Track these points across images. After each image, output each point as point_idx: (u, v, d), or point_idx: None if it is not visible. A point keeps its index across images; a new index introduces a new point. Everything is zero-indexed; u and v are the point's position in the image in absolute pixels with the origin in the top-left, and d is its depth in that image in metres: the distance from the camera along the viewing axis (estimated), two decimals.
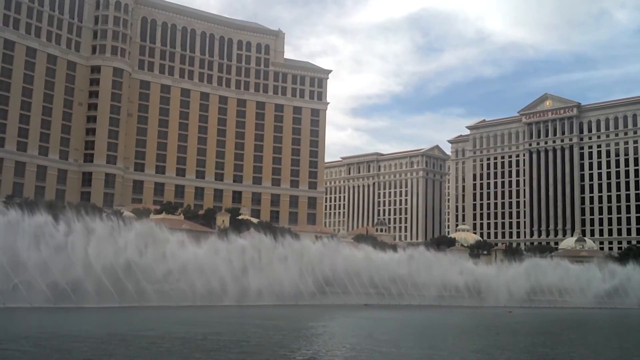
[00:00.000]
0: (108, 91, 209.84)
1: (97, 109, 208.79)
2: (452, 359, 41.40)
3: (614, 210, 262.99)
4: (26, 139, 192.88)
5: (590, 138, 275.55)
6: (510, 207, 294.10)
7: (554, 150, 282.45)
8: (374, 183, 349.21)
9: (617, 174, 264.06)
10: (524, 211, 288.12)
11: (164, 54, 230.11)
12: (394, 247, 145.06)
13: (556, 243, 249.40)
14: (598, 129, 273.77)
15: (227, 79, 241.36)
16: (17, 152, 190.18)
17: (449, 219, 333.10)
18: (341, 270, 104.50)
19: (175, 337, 47.65)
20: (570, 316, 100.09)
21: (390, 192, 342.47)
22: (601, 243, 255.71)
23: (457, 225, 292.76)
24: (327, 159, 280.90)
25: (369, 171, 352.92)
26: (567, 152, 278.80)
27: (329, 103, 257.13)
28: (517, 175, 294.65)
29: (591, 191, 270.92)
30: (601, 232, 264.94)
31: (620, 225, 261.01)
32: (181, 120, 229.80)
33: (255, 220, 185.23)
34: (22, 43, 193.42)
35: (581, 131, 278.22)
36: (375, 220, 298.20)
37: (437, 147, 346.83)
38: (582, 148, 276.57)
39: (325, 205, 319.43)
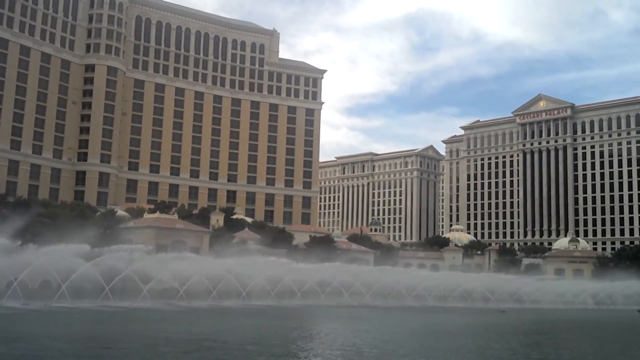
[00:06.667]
0: (102, 90, 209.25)
1: (91, 107, 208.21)
2: None
3: (608, 210, 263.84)
4: (20, 138, 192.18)
5: (584, 139, 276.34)
6: (504, 207, 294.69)
7: (548, 151, 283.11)
8: (368, 183, 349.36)
9: (611, 174, 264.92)
10: (518, 211, 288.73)
11: (158, 53, 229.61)
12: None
13: (550, 243, 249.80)
14: (592, 130, 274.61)
15: (221, 78, 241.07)
16: (11, 150, 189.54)
17: (443, 219, 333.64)
18: None
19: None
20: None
21: (384, 192, 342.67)
22: (595, 243, 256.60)
23: (451, 225, 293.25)
24: (321, 159, 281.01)
25: (363, 171, 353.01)
26: (560, 153, 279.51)
27: (323, 103, 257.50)
28: (511, 175, 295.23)
29: (585, 192, 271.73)
30: (595, 233, 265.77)
31: (614, 225, 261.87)
32: (175, 119, 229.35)
33: (249, 220, 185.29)
34: (15, 41, 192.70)
35: (575, 132, 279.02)
36: (370, 220, 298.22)
37: (431, 147, 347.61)
38: (575, 149, 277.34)
39: (320, 205, 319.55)
